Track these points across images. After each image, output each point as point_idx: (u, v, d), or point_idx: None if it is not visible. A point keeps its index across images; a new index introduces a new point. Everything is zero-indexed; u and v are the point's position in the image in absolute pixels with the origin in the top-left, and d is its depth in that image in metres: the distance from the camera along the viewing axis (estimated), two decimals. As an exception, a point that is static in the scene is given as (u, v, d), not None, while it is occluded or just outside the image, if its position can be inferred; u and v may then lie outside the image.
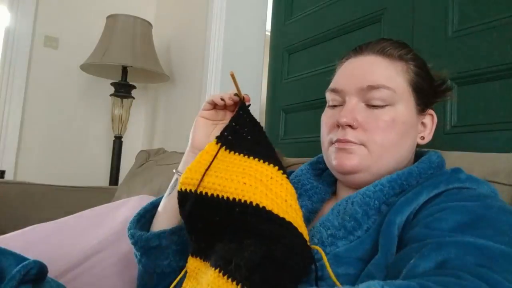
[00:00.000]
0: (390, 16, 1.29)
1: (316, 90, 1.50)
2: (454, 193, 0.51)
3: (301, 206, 0.63)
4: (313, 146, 1.44)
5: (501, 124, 0.96)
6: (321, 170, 0.72)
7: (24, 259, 0.62)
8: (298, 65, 1.66)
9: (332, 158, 0.61)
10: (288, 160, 1.16)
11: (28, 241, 0.88)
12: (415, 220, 0.49)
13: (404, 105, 0.59)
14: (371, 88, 0.59)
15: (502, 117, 0.96)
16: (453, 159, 0.73)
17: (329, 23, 1.52)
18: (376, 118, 0.58)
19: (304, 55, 1.64)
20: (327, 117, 0.64)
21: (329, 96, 0.65)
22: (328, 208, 0.64)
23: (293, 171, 0.72)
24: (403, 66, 0.61)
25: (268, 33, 1.89)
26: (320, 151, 0.67)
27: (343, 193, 0.64)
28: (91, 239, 0.90)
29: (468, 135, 1.02)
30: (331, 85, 0.64)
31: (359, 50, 0.64)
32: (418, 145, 0.64)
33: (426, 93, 0.62)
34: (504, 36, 0.98)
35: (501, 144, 0.94)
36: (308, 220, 0.62)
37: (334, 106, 0.64)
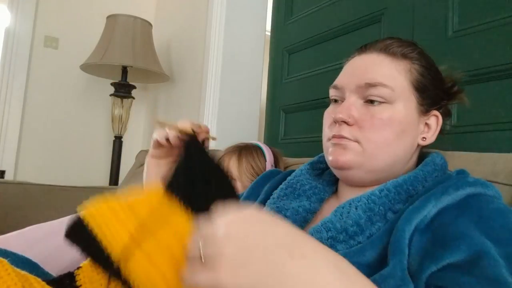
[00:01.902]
0: (390, 16, 1.29)
1: (316, 90, 1.50)
2: (475, 207, 0.49)
3: (299, 207, 0.63)
4: (313, 146, 1.44)
5: (501, 124, 0.96)
6: (321, 170, 0.72)
7: (24, 259, 0.62)
8: (298, 65, 1.66)
9: (328, 153, 0.62)
10: (287, 160, 1.17)
11: (28, 241, 0.88)
12: (435, 238, 0.47)
13: (403, 104, 0.59)
14: (369, 85, 0.59)
15: (502, 117, 0.96)
16: (453, 159, 0.73)
17: (329, 23, 1.52)
18: (371, 115, 0.58)
19: (304, 55, 1.64)
20: (328, 113, 0.65)
21: (331, 92, 0.65)
22: (328, 207, 0.64)
23: (293, 171, 0.72)
24: (406, 65, 0.61)
25: (268, 33, 1.89)
26: (320, 151, 0.67)
27: (345, 192, 0.64)
28: (91, 239, 0.89)
29: (468, 135, 1.01)
30: (334, 82, 0.65)
31: (363, 48, 0.64)
32: (419, 146, 0.63)
33: (430, 94, 0.62)
34: (504, 36, 0.98)
35: (501, 144, 0.94)
36: (305, 220, 0.62)
37: (336, 102, 0.64)
